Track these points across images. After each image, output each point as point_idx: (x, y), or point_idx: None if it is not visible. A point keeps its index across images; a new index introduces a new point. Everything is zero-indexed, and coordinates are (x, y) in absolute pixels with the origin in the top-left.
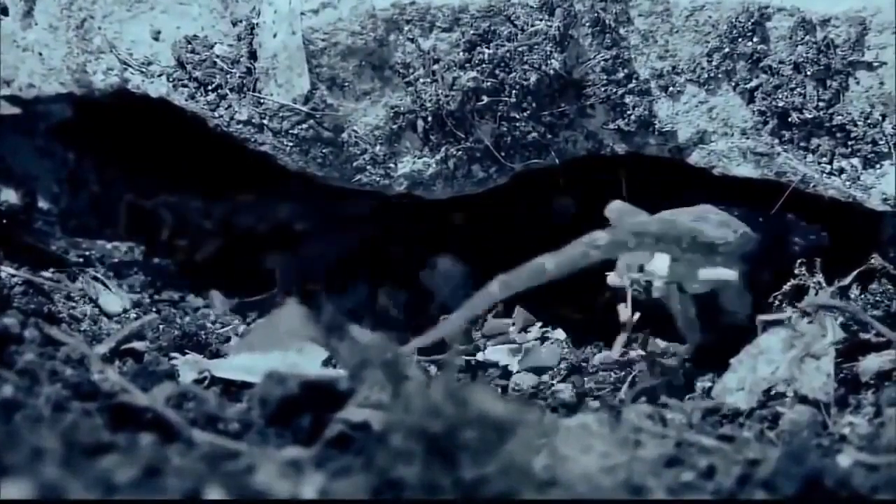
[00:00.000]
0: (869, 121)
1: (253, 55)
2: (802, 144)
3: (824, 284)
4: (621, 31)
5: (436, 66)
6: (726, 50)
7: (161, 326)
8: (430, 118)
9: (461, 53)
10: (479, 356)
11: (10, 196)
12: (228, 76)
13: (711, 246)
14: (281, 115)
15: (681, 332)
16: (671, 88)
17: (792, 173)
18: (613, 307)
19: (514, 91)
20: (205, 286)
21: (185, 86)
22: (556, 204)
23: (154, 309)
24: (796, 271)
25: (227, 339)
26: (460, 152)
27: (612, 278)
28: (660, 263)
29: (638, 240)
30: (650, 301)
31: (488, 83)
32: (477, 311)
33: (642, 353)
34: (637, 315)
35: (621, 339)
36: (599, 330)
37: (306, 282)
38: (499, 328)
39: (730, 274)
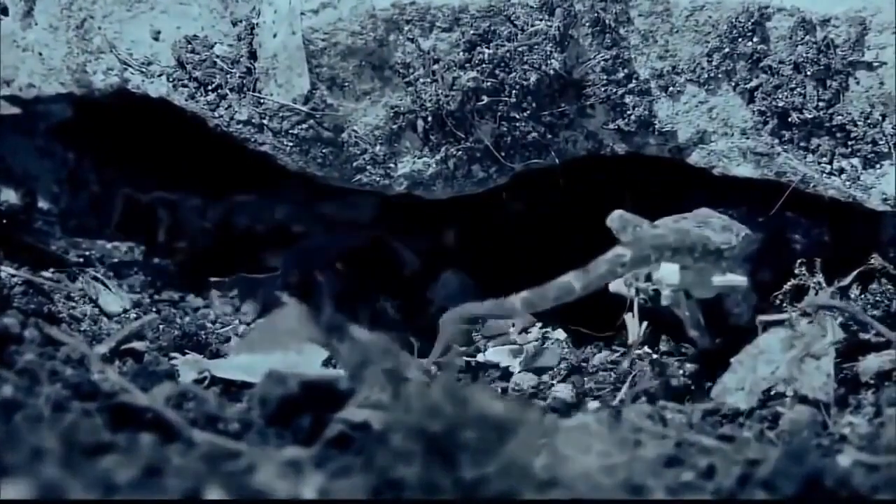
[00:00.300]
0: (869, 121)
1: (253, 55)
2: (802, 144)
3: (824, 284)
4: (621, 31)
5: (436, 66)
6: (726, 50)
7: (161, 326)
8: (430, 118)
9: (461, 53)
10: (480, 357)
11: (10, 196)
12: (228, 76)
13: (718, 252)
14: (281, 115)
15: (691, 337)
16: (671, 88)
17: (792, 173)
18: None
19: (514, 91)
20: (205, 286)
21: (185, 86)
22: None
23: (154, 309)
24: (796, 271)
25: (227, 339)
26: (460, 152)
27: (615, 286)
28: (669, 272)
29: (658, 253)
30: (656, 308)
31: (488, 83)
32: (490, 315)
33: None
34: (645, 325)
35: (631, 352)
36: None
37: (308, 270)
38: (499, 329)
39: (740, 280)
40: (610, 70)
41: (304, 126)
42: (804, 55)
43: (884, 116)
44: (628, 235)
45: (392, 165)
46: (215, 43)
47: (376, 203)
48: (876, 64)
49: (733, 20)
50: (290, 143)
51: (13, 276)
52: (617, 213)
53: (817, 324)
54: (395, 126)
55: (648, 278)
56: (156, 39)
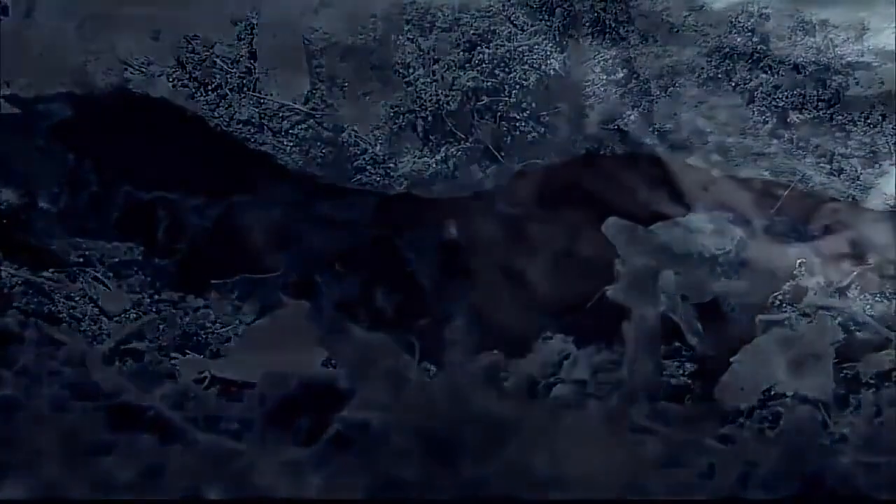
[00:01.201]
0: (869, 121)
1: (253, 55)
2: (802, 144)
3: (824, 285)
4: (621, 31)
5: (436, 66)
6: (726, 50)
7: (161, 326)
8: (430, 118)
9: (461, 53)
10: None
11: (10, 196)
12: (228, 76)
13: (713, 258)
14: (281, 115)
15: (688, 341)
16: (671, 88)
17: (792, 173)
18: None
19: (514, 91)
20: (205, 286)
21: (185, 86)
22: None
23: (154, 309)
24: (796, 271)
25: (227, 339)
26: (460, 152)
27: (614, 293)
28: (664, 279)
29: (664, 264)
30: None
31: (488, 83)
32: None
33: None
34: None
35: (628, 359)
36: (599, 330)
37: (308, 270)
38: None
39: (735, 285)
40: (610, 70)
41: (304, 126)
42: (804, 55)
43: (884, 116)
44: (623, 242)
45: (392, 165)
46: (215, 43)
47: (375, 202)
48: (876, 64)
49: (733, 20)
50: (290, 143)
51: (13, 276)
52: (612, 219)
53: (817, 324)
54: (395, 126)
55: None
56: (156, 39)
